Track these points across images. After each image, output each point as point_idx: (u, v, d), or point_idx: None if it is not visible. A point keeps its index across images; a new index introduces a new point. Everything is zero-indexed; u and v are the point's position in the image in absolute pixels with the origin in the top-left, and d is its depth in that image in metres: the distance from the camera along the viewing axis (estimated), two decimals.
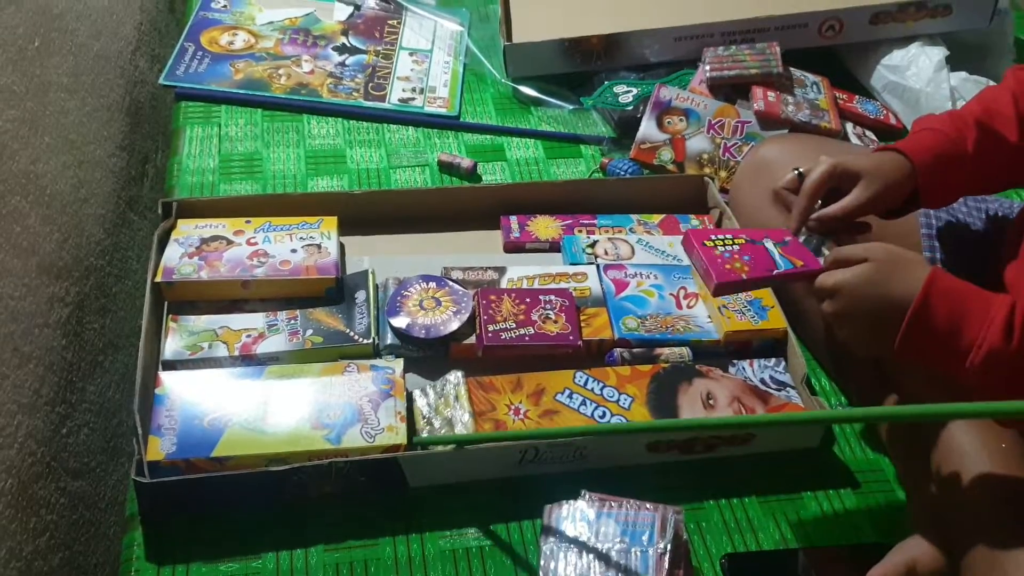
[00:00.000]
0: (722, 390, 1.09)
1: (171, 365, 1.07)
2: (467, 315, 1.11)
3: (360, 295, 1.13)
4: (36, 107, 1.13)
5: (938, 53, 1.55)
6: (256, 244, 1.16)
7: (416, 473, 1.00)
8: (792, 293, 1.18)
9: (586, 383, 1.08)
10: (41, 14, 1.18)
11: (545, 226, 1.29)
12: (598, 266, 1.21)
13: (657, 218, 1.32)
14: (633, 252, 1.25)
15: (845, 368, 1.17)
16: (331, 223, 1.20)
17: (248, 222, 1.18)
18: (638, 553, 0.91)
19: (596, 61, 1.56)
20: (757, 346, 1.15)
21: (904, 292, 0.86)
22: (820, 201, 1.04)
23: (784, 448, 1.10)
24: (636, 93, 1.51)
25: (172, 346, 1.07)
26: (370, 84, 1.54)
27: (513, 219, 1.30)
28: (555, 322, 1.11)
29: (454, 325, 1.10)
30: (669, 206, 1.34)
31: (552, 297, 1.13)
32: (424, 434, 1.03)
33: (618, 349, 1.11)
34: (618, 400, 1.06)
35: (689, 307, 1.17)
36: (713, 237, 1.01)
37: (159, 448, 0.96)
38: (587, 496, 0.95)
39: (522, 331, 1.09)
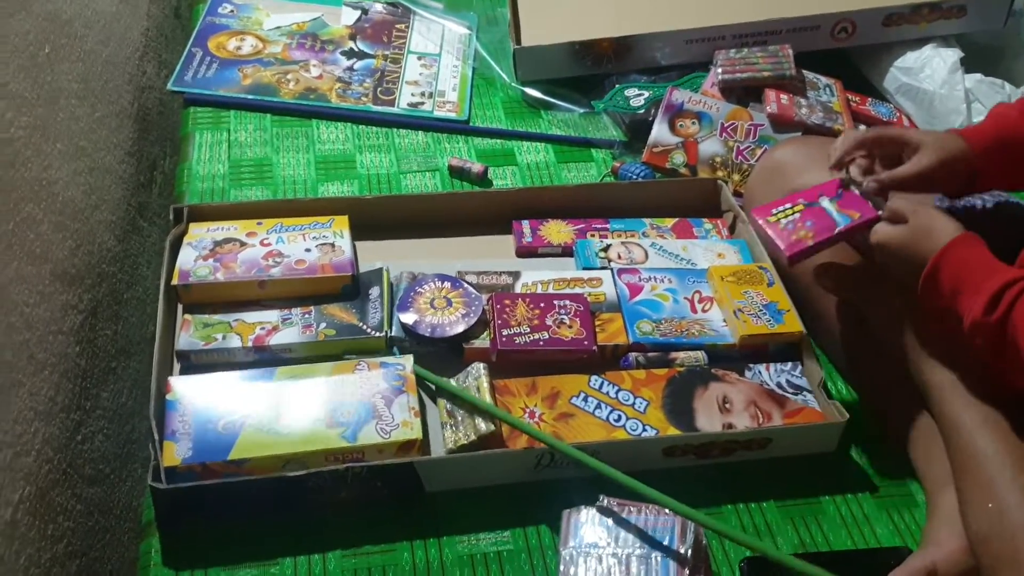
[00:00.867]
0: (738, 394, 1.11)
1: (185, 356, 1.10)
2: (475, 318, 1.13)
3: (374, 291, 1.16)
4: (47, 114, 1.15)
5: (952, 55, 1.57)
6: (270, 245, 1.18)
7: (433, 478, 1.02)
8: (808, 297, 1.20)
9: (601, 386, 1.10)
10: (51, 21, 1.20)
11: (557, 231, 1.32)
12: (612, 271, 1.23)
13: (670, 222, 1.35)
14: (647, 256, 1.27)
15: (857, 366, 1.19)
16: (343, 222, 1.23)
17: (260, 224, 1.21)
18: (658, 559, 0.92)
19: (607, 64, 1.58)
20: (773, 350, 1.17)
21: (927, 257, 0.98)
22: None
23: (801, 453, 1.12)
24: (648, 96, 1.54)
25: (186, 337, 1.10)
26: (379, 89, 1.56)
27: (525, 224, 1.32)
28: (570, 327, 1.13)
29: (460, 327, 1.12)
30: (682, 210, 1.37)
31: (567, 302, 1.16)
32: (447, 430, 1.05)
33: (633, 353, 1.14)
34: (633, 403, 1.09)
35: (704, 311, 1.19)
36: (774, 210, 1.12)
37: (175, 453, 0.99)
38: (605, 501, 0.97)
39: (536, 336, 1.11)
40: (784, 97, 1.51)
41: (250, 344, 1.09)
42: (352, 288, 1.16)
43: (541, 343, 1.11)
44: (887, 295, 1.12)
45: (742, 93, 1.54)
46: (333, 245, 1.19)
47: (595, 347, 1.12)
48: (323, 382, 1.06)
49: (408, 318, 1.13)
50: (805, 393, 1.12)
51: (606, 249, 1.27)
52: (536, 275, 1.22)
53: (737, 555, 1.02)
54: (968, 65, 1.57)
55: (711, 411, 1.10)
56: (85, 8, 1.33)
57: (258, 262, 1.16)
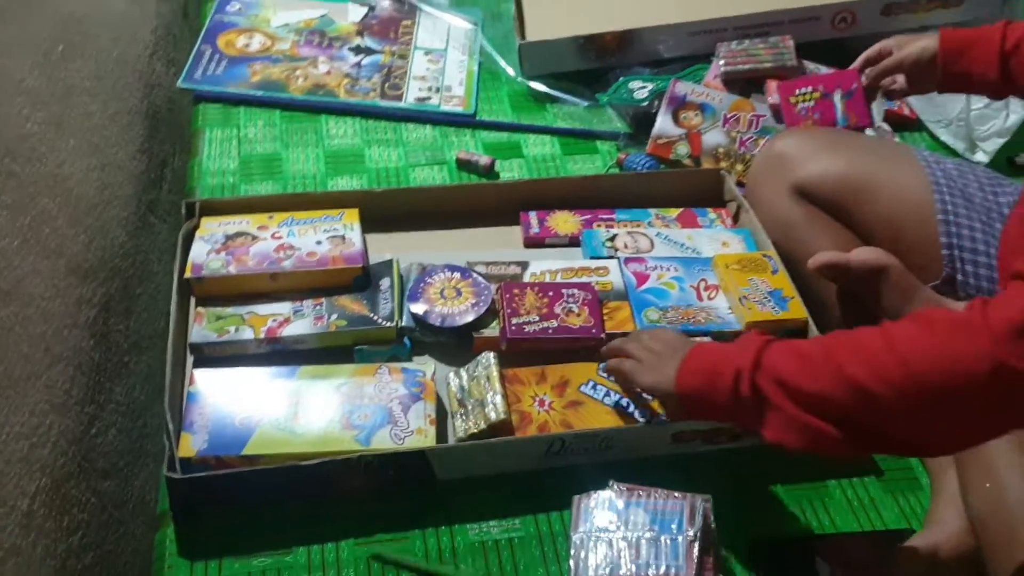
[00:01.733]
0: None
1: (198, 349, 1.09)
2: (485, 308, 1.13)
3: (385, 282, 1.16)
4: (61, 110, 1.15)
5: None
6: (281, 238, 1.18)
7: (444, 467, 1.02)
8: (811, 284, 1.20)
9: (611, 375, 1.09)
10: (64, 20, 1.20)
11: (564, 221, 1.31)
12: (619, 260, 1.22)
13: (675, 212, 1.34)
14: (652, 245, 1.27)
15: None
16: (353, 215, 1.23)
17: (271, 217, 1.21)
18: (668, 541, 0.92)
19: (611, 57, 1.57)
20: (778, 336, 1.16)
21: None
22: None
23: None
24: (651, 88, 1.53)
25: (199, 330, 1.10)
26: (386, 84, 1.56)
27: (532, 215, 1.32)
28: (578, 315, 1.13)
29: (469, 317, 1.12)
30: (686, 200, 1.36)
31: (575, 291, 1.15)
32: (458, 419, 1.05)
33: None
34: (641, 392, 1.08)
35: (710, 299, 1.18)
36: (798, 91, 1.33)
37: (190, 445, 0.99)
38: (615, 486, 0.96)
39: (545, 324, 1.11)
40: None
41: (262, 336, 1.09)
42: (363, 279, 1.16)
43: (550, 331, 1.10)
44: (887, 282, 1.12)
45: (744, 84, 1.53)
46: (343, 237, 1.18)
47: (604, 334, 1.11)
48: (342, 384, 1.05)
49: (419, 308, 1.12)
50: None
51: (613, 239, 1.27)
52: (544, 264, 1.21)
53: (746, 537, 1.02)
54: None
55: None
56: (97, 7, 1.33)
57: (270, 255, 1.15)
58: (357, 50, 1.62)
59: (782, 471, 1.09)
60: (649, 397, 1.05)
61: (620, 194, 1.35)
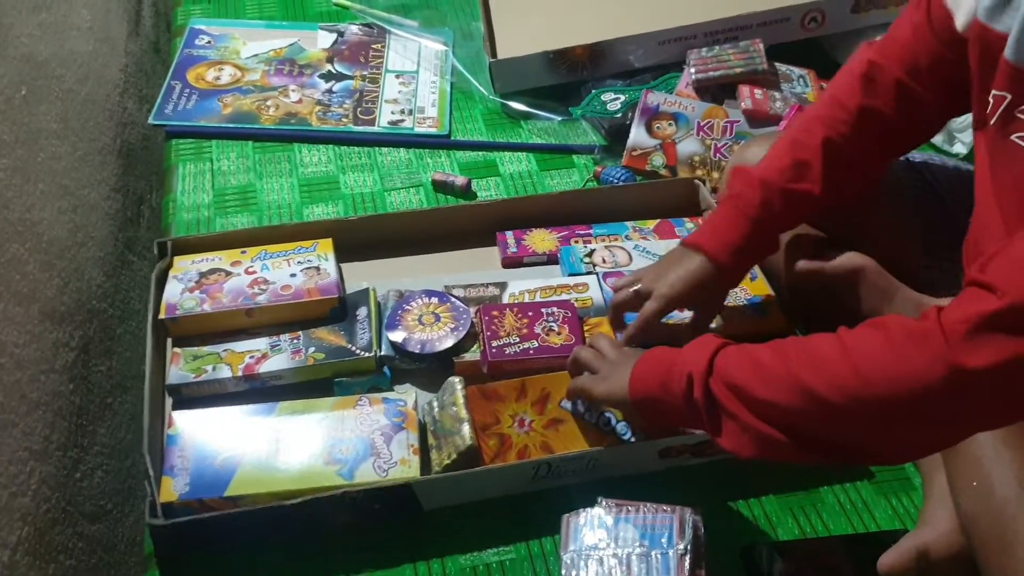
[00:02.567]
0: None
1: (176, 390, 1.07)
2: (464, 332, 1.11)
3: (362, 312, 1.14)
4: (27, 155, 1.12)
5: None
6: (255, 272, 1.16)
7: (429, 497, 0.99)
8: (792, 289, 1.18)
9: None
10: (26, 62, 1.17)
11: (541, 239, 1.29)
12: (598, 275, 1.20)
13: (652, 223, 1.32)
14: (631, 259, 1.25)
15: None
16: (326, 245, 1.20)
17: (244, 252, 1.19)
18: (658, 556, 0.90)
19: (582, 71, 1.55)
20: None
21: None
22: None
23: None
24: (624, 100, 1.51)
25: (175, 371, 1.08)
26: (359, 109, 1.54)
27: (509, 234, 1.29)
28: (559, 334, 1.10)
29: (449, 342, 1.10)
30: (663, 211, 1.34)
31: (554, 309, 1.13)
32: (432, 452, 1.02)
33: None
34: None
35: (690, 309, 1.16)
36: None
37: (172, 489, 0.96)
38: (604, 503, 0.94)
39: (526, 345, 1.09)
40: (758, 92, 1.48)
41: (240, 373, 1.07)
42: (339, 310, 1.14)
43: (531, 352, 1.08)
44: (864, 283, 1.10)
45: (717, 91, 1.52)
46: (318, 268, 1.16)
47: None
48: (323, 418, 1.03)
49: (397, 336, 1.10)
50: None
51: (590, 254, 1.25)
52: (523, 284, 1.19)
53: (736, 545, 1.00)
54: None
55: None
56: (61, 48, 1.30)
57: (244, 291, 1.13)
58: (328, 76, 1.60)
59: (773, 480, 1.07)
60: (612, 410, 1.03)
61: (596, 208, 1.33)
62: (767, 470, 1.07)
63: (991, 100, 0.91)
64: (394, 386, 1.10)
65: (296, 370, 1.08)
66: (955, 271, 1.12)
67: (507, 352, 1.08)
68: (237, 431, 1.01)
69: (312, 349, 1.09)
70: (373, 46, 1.67)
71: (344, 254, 1.23)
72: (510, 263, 1.27)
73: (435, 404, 1.05)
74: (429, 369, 1.11)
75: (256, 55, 1.62)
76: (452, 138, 1.51)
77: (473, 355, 1.10)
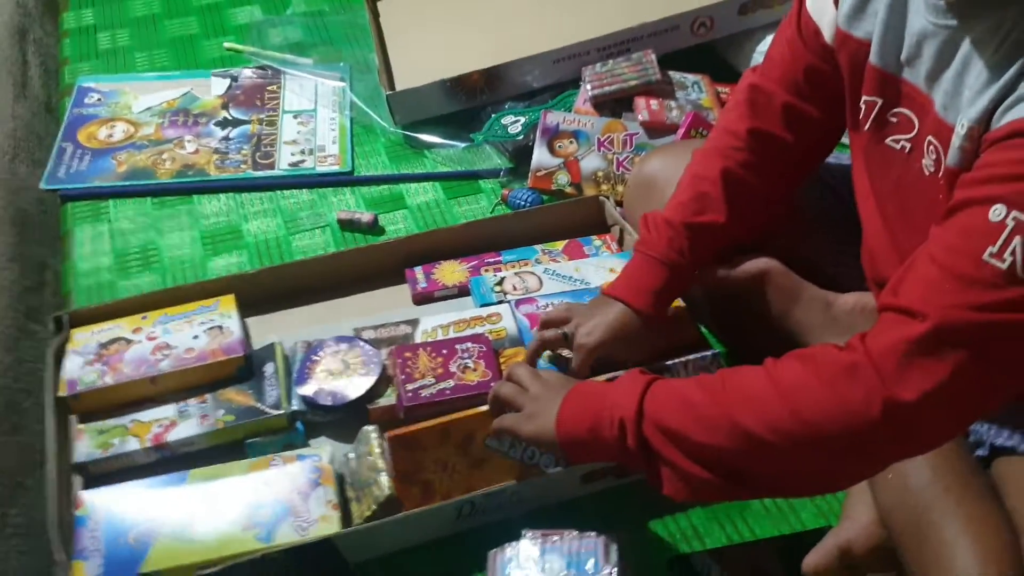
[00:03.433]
0: None
1: (83, 468, 1.03)
2: (376, 377, 1.08)
3: (268, 367, 1.10)
4: None
5: None
6: (156, 338, 1.11)
7: (353, 550, 0.96)
8: (700, 296, 1.17)
9: None
10: None
11: (451, 271, 1.26)
12: (510, 304, 1.18)
13: (561, 244, 1.31)
14: (541, 283, 1.23)
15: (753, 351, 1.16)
16: (229, 302, 1.16)
17: (144, 318, 1.14)
18: None
19: (481, 96, 1.53)
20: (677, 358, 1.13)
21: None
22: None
23: None
24: (524, 122, 1.49)
25: (82, 448, 1.03)
26: (257, 153, 1.49)
27: (418, 270, 1.27)
28: (475, 370, 1.08)
29: (362, 388, 1.07)
30: (572, 230, 1.33)
31: (469, 344, 1.10)
32: (352, 505, 0.99)
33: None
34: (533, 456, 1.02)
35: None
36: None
37: (85, 572, 0.92)
38: (529, 535, 0.92)
39: (442, 385, 1.06)
40: (654, 103, 1.48)
41: (149, 444, 1.03)
42: (246, 369, 1.10)
43: (448, 392, 1.05)
44: (771, 285, 1.10)
45: (615, 105, 1.51)
46: (221, 328, 1.12)
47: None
48: (237, 482, 0.99)
49: (307, 390, 1.07)
50: None
51: (501, 282, 1.23)
52: (435, 320, 1.16)
53: (660, 559, 1.00)
54: None
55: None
56: None
57: (147, 358, 1.09)
58: (224, 123, 1.55)
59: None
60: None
61: (505, 235, 1.31)
62: None
63: (863, 106, 0.92)
64: (309, 440, 1.07)
65: (206, 435, 1.04)
66: (858, 272, 1.12)
67: (423, 395, 1.05)
68: (149, 505, 0.97)
69: (221, 412, 1.05)
70: (268, 88, 1.63)
71: (248, 309, 1.19)
72: (421, 299, 1.24)
73: (352, 455, 1.02)
74: (345, 419, 1.08)
75: (149, 108, 1.57)
76: (356, 174, 1.48)
77: (388, 399, 1.07)
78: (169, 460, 1.04)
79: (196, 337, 1.11)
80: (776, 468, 0.77)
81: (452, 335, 1.14)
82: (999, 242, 0.68)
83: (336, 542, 0.94)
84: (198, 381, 1.08)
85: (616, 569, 0.89)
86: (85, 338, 1.12)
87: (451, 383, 1.06)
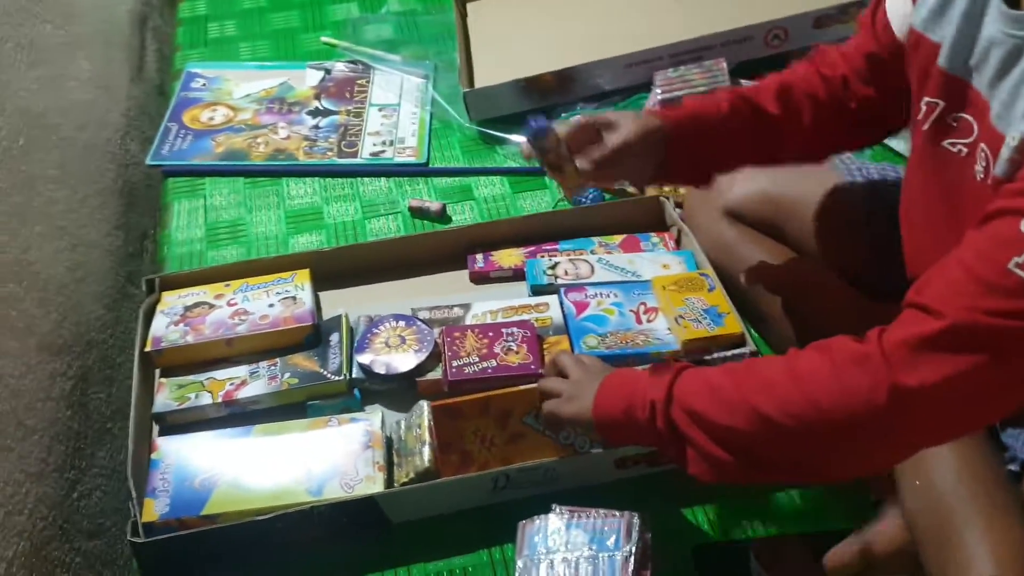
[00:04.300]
0: None
1: (161, 418, 1.11)
2: (427, 353, 1.13)
3: (334, 337, 1.16)
4: (23, 200, 1.17)
5: None
6: (236, 304, 1.19)
7: (395, 510, 1.02)
8: (750, 299, 1.19)
9: None
10: (23, 115, 1.22)
11: (508, 255, 1.31)
12: (559, 291, 1.22)
13: (618, 238, 1.33)
14: (593, 271, 1.26)
15: None
16: (304, 276, 1.24)
17: (227, 285, 1.22)
18: (605, 558, 0.92)
19: (553, 96, 1.57)
20: (716, 352, 1.15)
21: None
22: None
23: None
24: None
25: (161, 399, 1.11)
26: (343, 142, 1.57)
27: (478, 254, 1.32)
28: (517, 353, 1.12)
29: (412, 362, 1.12)
30: (630, 229, 1.35)
31: (514, 329, 1.15)
32: (395, 469, 1.04)
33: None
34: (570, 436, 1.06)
35: (649, 321, 1.18)
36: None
37: (154, 509, 1.00)
38: (557, 509, 0.96)
39: (485, 364, 1.11)
40: None
41: (220, 400, 1.10)
42: (314, 337, 1.17)
43: (489, 371, 1.10)
44: (814, 291, 1.11)
45: None
46: (295, 298, 1.19)
47: (542, 370, 1.11)
48: (295, 438, 1.06)
49: (365, 359, 1.13)
50: None
51: (554, 267, 1.26)
52: (486, 305, 1.21)
53: (685, 546, 1.02)
54: None
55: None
56: (59, 99, 1.35)
57: (225, 322, 1.16)
58: (315, 113, 1.63)
59: (727, 486, 1.07)
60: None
61: (565, 228, 1.35)
62: None
63: (924, 107, 0.92)
64: (364, 407, 1.13)
65: (272, 395, 1.11)
66: (903, 278, 1.12)
67: (466, 371, 1.10)
68: (215, 454, 1.05)
69: (287, 375, 1.12)
70: (358, 82, 1.71)
71: (321, 283, 1.26)
72: (477, 278, 1.29)
73: (403, 424, 1.07)
74: (397, 389, 1.14)
75: (248, 95, 1.66)
76: (430, 165, 1.54)
77: (436, 374, 1.13)
78: (237, 416, 1.12)
79: (271, 305, 1.18)
80: (790, 452, 0.80)
81: (500, 320, 1.19)
82: None
83: (379, 501, 1.00)
84: (269, 345, 1.16)
85: (636, 547, 0.92)
86: (172, 301, 1.20)
87: (493, 363, 1.11)
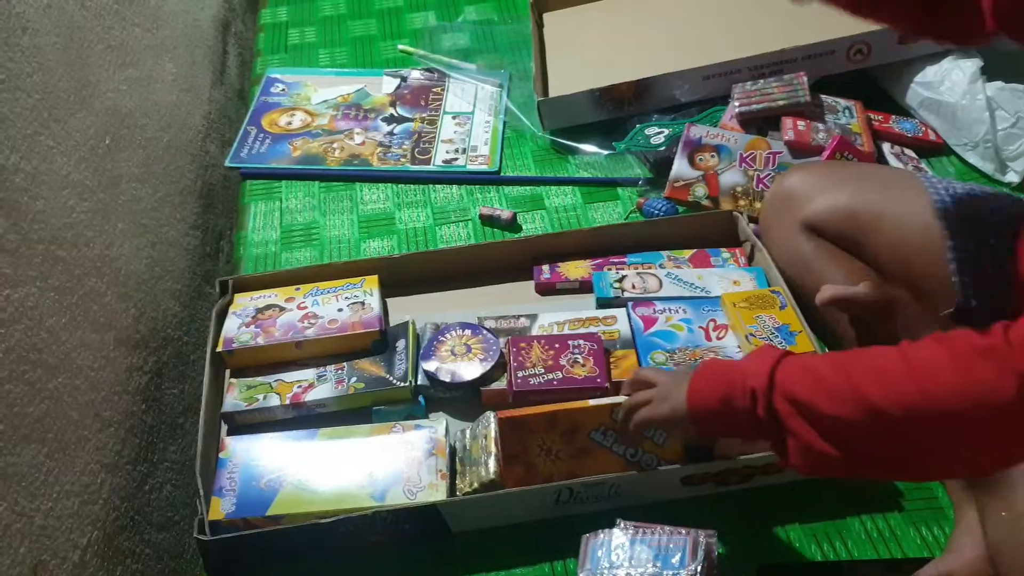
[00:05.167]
0: None
1: (230, 417, 1.12)
2: (492, 363, 1.12)
3: (400, 343, 1.16)
4: (108, 198, 1.19)
5: (972, 65, 1.49)
6: (306, 308, 1.20)
7: (457, 519, 1.01)
8: (826, 318, 1.15)
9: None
10: (111, 114, 1.25)
11: (575, 267, 1.29)
12: (627, 305, 1.20)
13: (688, 253, 1.31)
14: (661, 285, 1.23)
15: None
16: (372, 281, 1.24)
17: (298, 289, 1.23)
18: None
19: (628, 106, 1.55)
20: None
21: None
22: None
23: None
24: (668, 133, 1.50)
25: (230, 399, 1.12)
26: (416, 149, 1.57)
27: (545, 262, 1.31)
28: (583, 366, 1.11)
29: (477, 372, 1.11)
30: (702, 243, 1.33)
31: (581, 341, 1.13)
32: (458, 479, 1.03)
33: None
34: (653, 436, 1.04)
35: (719, 338, 1.15)
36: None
37: (220, 508, 1.00)
38: (621, 524, 0.94)
39: (550, 376, 1.09)
40: (801, 124, 1.46)
41: (287, 402, 1.11)
42: (381, 342, 1.17)
43: (555, 383, 1.09)
44: (896, 311, 1.07)
45: (761, 123, 1.49)
46: (363, 304, 1.19)
47: (608, 384, 1.09)
48: (360, 443, 1.06)
49: (430, 366, 1.12)
50: None
51: (621, 280, 1.24)
52: (552, 317, 1.20)
53: (751, 567, 0.99)
54: (990, 73, 1.48)
55: (731, 439, 1.04)
56: (145, 100, 1.38)
57: (295, 325, 1.17)
58: (390, 119, 1.64)
59: (797, 508, 1.05)
60: (660, 440, 1.02)
61: (634, 241, 1.33)
62: (791, 498, 1.05)
63: None
64: (429, 414, 1.12)
65: (339, 398, 1.11)
66: (990, 304, 1.07)
67: (531, 382, 1.09)
68: (281, 455, 1.05)
69: (354, 379, 1.12)
70: (433, 90, 1.71)
71: (390, 289, 1.26)
72: (543, 289, 1.28)
73: (468, 433, 1.06)
74: (462, 398, 1.13)
75: (325, 101, 1.68)
76: (502, 174, 1.53)
77: (500, 384, 1.11)
78: (303, 418, 1.12)
79: (340, 310, 1.19)
80: (899, 446, 0.75)
81: (567, 332, 1.17)
82: None
83: (441, 509, 0.99)
84: (337, 350, 1.16)
85: (702, 566, 0.89)
86: (245, 302, 1.22)
87: (559, 375, 1.09)
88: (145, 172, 1.33)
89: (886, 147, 1.49)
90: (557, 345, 1.12)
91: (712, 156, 1.44)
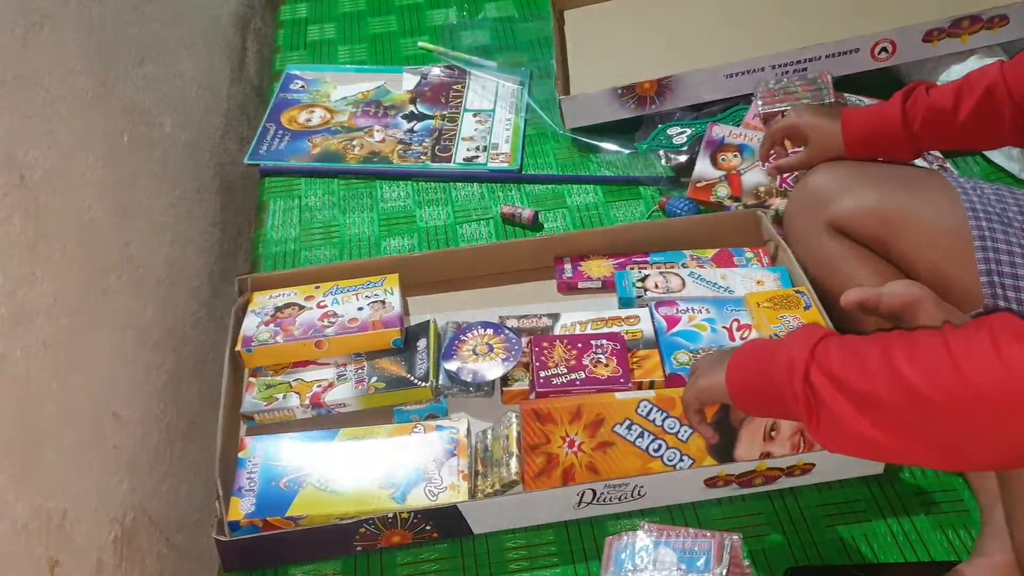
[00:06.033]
0: (785, 422, 1.04)
1: (249, 416, 1.11)
2: (515, 362, 1.10)
3: (421, 343, 1.15)
4: (127, 196, 1.19)
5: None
6: (326, 306, 1.18)
7: (479, 520, 0.99)
8: (851, 319, 1.13)
9: (649, 413, 1.04)
10: (128, 113, 1.24)
11: (597, 265, 1.27)
12: (650, 306, 1.18)
13: (711, 252, 1.29)
14: (684, 284, 1.22)
15: None
16: (393, 280, 1.22)
17: (317, 287, 1.21)
18: None
19: (650, 105, 1.53)
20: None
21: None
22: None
23: (848, 476, 1.05)
24: (690, 133, 1.48)
25: (249, 398, 1.11)
26: (436, 147, 1.56)
27: (566, 259, 1.29)
28: (606, 366, 1.09)
29: (499, 372, 1.09)
30: (725, 242, 1.30)
31: (603, 341, 1.11)
32: (479, 479, 1.02)
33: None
34: (678, 432, 1.03)
35: (743, 339, 1.13)
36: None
37: (240, 508, 0.99)
38: (645, 527, 0.92)
39: (573, 376, 1.07)
40: None
41: (307, 401, 1.10)
42: (402, 342, 1.15)
43: (577, 383, 1.07)
44: (923, 315, 1.04)
45: None
46: (384, 302, 1.18)
47: (631, 384, 1.07)
48: (380, 444, 1.05)
49: (452, 365, 1.11)
50: None
51: (644, 279, 1.22)
52: (575, 316, 1.18)
53: (777, 570, 0.97)
54: None
55: (754, 439, 1.03)
56: (164, 97, 1.37)
57: (315, 324, 1.16)
58: (410, 117, 1.63)
59: (822, 510, 1.03)
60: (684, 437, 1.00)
61: (657, 240, 1.31)
62: (816, 500, 1.03)
63: None
64: (450, 414, 1.11)
65: (359, 398, 1.10)
66: (1017, 301, 1.05)
67: (554, 382, 1.07)
68: (301, 455, 1.04)
69: (374, 379, 1.11)
70: (454, 87, 1.69)
71: (411, 287, 1.25)
72: (565, 288, 1.26)
73: (490, 433, 1.05)
74: (485, 398, 1.11)
75: (345, 98, 1.67)
76: (523, 172, 1.52)
77: (522, 384, 1.10)
78: (324, 417, 1.11)
79: (360, 309, 1.17)
80: (936, 429, 0.72)
81: (590, 331, 1.15)
82: None
83: (463, 510, 0.98)
84: (357, 349, 1.15)
85: (727, 570, 0.88)
86: (264, 301, 1.20)
87: (582, 375, 1.08)
88: (163, 169, 1.33)
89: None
90: (580, 345, 1.11)
91: (735, 156, 1.42)
